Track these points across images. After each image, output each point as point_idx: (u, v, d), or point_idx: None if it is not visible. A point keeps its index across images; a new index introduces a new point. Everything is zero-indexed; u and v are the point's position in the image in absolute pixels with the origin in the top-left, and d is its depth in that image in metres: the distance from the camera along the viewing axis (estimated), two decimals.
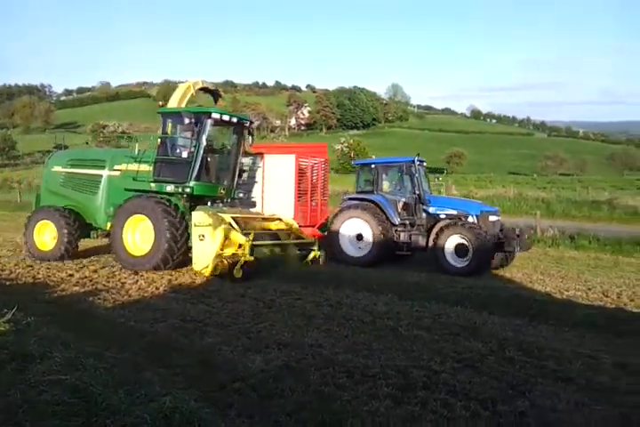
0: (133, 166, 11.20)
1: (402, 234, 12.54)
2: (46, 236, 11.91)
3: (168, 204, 10.46)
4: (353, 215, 12.79)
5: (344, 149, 65.21)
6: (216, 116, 10.73)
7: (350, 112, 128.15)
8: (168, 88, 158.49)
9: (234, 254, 9.43)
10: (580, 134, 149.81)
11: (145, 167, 11.03)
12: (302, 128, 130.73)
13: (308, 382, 4.49)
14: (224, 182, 11.51)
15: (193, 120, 10.46)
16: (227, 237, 9.37)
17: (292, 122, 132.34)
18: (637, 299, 8.99)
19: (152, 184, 10.79)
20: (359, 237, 12.75)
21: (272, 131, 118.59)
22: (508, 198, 28.03)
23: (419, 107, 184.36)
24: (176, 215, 10.35)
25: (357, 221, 12.71)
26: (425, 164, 13.40)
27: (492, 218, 12.14)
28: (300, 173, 13.92)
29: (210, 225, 9.52)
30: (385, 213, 12.67)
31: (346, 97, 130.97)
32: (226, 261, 9.36)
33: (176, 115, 10.81)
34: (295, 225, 11.68)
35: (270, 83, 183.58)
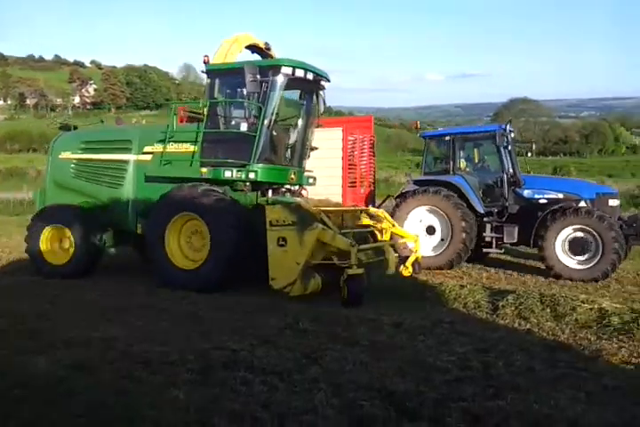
0: (172, 147, 8.42)
1: (487, 226, 9.80)
2: (57, 245, 9.17)
3: (226, 195, 7.91)
4: (423, 203, 10.00)
5: None
6: (287, 70, 7.90)
7: (141, 91, 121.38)
8: None
9: (330, 266, 7.07)
10: None
11: (187, 147, 8.35)
12: (88, 107, 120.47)
13: (100, 378, 4.23)
14: (295, 164, 8.87)
15: (258, 77, 7.63)
16: (320, 241, 6.95)
17: (77, 100, 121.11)
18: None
19: (202, 169, 8.05)
20: (430, 231, 10.08)
21: (52, 109, 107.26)
22: None
23: None
24: (239, 211, 7.82)
25: (428, 210, 10.05)
26: (513, 134, 10.53)
27: (613, 202, 9.66)
28: (349, 150, 11.82)
29: (293, 224, 6.96)
30: (466, 200, 9.84)
31: (136, 75, 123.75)
32: (319, 276, 7.10)
33: (232, 71, 8.02)
34: (389, 218, 8.90)
35: (48, 57, 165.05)
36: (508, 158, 9.96)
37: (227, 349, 4.94)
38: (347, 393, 3.90)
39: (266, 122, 7.93)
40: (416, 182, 10.63)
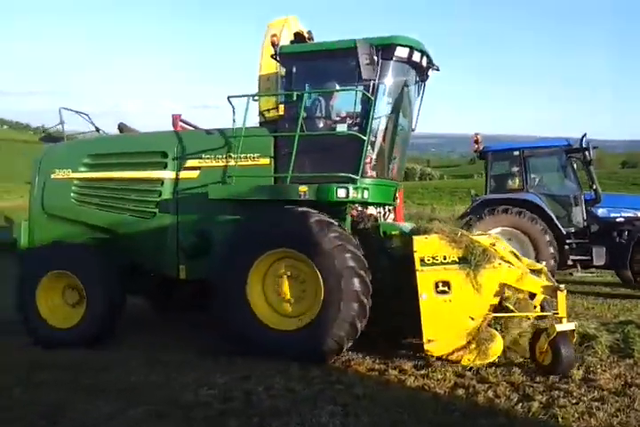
0: (242, 158, 6.10)
1: (568, 247, 9.16)
2: (60, 300, 6.54)
3: (339, 225, 5.55)
4: (501, 224, 8.93)
5: None
6: (403, 52, 5.88)
7: None
8: None
9: (518, 320, 5.12)
10: None
11: (261, 159, 6.13)
12: None
13: None
14: (397, 178, 6.91)
15: (375, 59, 5.65)
16: (502, 285, 5.03)
17: None
18: None
19: (301, 188, 5.64)
20: None
21: None
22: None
23: None
24: (359, 247, 5.50)
25: (499, 232, 8.59)
26: (594, 150, 9.50)
27: None
28: None
29: (460, 261, 4.99)
30: (549, 220, 9.05)
31: None
32: (499, 334, 4.96)
33: (327, 54, 5.98)
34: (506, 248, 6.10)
35: None
36: (592, 175, 9.53)
37: None
38: None
39: (375, 121, 6.07)
40: (487, 202, 9.66)
